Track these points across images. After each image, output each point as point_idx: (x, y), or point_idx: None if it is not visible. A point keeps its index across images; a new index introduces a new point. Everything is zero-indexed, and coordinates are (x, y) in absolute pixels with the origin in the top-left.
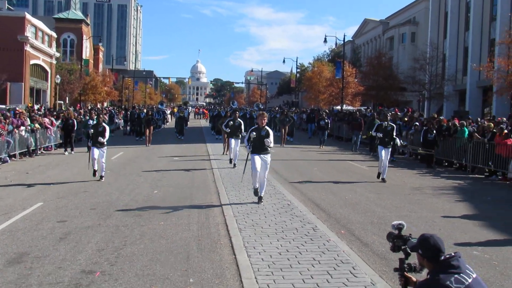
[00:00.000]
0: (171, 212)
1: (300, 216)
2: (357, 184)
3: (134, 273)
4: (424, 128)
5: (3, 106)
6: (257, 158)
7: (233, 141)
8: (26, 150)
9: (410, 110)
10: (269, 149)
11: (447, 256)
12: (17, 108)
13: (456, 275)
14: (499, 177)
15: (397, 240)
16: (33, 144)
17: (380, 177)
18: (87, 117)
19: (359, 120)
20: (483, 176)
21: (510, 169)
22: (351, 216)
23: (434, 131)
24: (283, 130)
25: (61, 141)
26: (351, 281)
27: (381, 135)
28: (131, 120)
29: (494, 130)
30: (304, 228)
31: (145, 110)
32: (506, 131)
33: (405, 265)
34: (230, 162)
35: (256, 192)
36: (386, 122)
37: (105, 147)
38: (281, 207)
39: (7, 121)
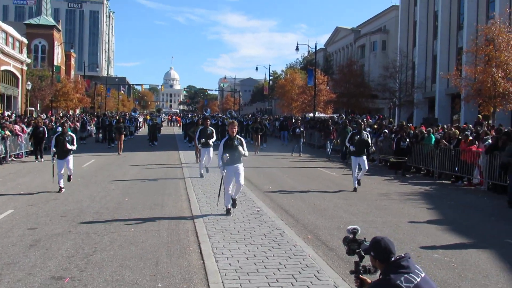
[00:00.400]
0: (142, 219)
1: (268, 222)
2: (326, 191)
3: (103, 278)
4: (397, 136)
5: None
6: (230, 174)
7: (205, 151)
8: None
9: (381, 117)
10: (241, 158)
11: (398, 257)
12: None
13: (405, 275)
14: (465, 182)
15: (352, 243)
16: (3, 151)
17: (353, 187)
18: (58, 124)
19: (331, 127)
20: (450, 182)
21: (475, 175)
22: (319, 221)
23: (407, 139)
24: (256, 137)
25: (31, 149)
26: (314, 284)
27: (353, 148)
28: (103, 127)
29: (460, 137)
30: (272, 234)
31: (117, 117)
32: (471, 137)
33: (360, 268)
34: (201, 175)
35: (228, 212)
36: (360, 134)
37: (71, 155)
38: (250, 213)
39: None
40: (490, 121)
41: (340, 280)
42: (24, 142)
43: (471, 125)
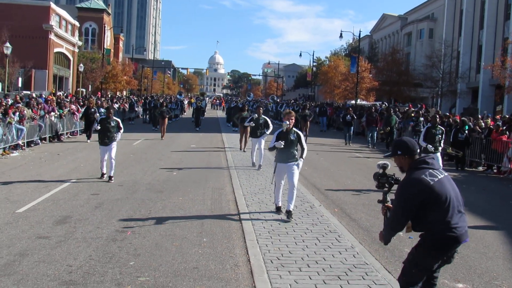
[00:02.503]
0: (189, 190)
1: (300, 196)
2: (357, 172)
3: (158, 233)
4: (456, 127)
5: (28, 92)
6: (281, 170)
7: (255, 140)
8: (55, 134)
9: (424, 106)
10: (297, 155)
11: (423, 155)
12: (48, 95)
13: (430, 170)
14: (494, 170)
15: (382, 177)
16: (61, 128)
17: None
18: (98, 105)
19: (374, 115)
20: (481, 170)
21: (504, 163)
22: (346, 198)
23: (466, 131)
24: (305, 125)
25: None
26: (334, 245)
27: (432, 148)
28: (149, 109)
29: (491, 127)
30: (302, 206)
31: (160, 100)
32: (502, 127)
33: (388, 196)
34: (253, 165)
35: (278, 210)
36: (435, 128)
37: (115, 143)
38: (285, 189)
39: (39, 106)
40: None
41: (357, 243)
42: (79, 121)
43: (507, 116)
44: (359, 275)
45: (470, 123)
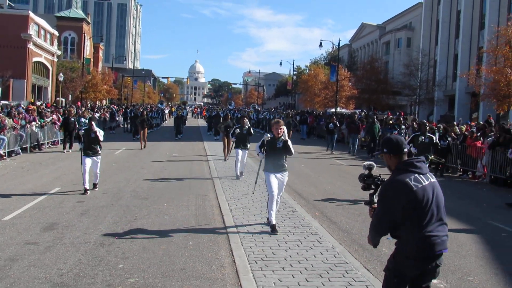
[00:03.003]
0: (173, 197)
1: (282, 201)
2: (338, 179)
3: (145, 237)
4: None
5: (7, 102)
6: (273, 179)
7: (240, 152)
8: (36, 143)
9: (402, 114)
10: (286, 165)
11: (413, 157)
12: (28, 105)
13: (416, 174)
14: (469, 175)
15: (367, 179)
16: (42, 138)
17: None
18: (79, 115)
19: (357, 123)
20: (456, 175)
21: (478, 168)
22: (326, 203)
23: (449, 138)
24: (289, 133)
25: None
26: (316, 246)
27: (415, 150)
28: (129, 118)
29: (466, 133)
30: (284, 210)
31: (141, 110)
32: (476, 134)
33: (374, 198)
34: (237, 178)
35: (274, 229)
36: (424, 135)
37: (99, 156)
38: (264, 194)
39: (20, 116)
40: (504, 120)
41: (337, 244)
42: (60, 131)
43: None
44: (340, 273)
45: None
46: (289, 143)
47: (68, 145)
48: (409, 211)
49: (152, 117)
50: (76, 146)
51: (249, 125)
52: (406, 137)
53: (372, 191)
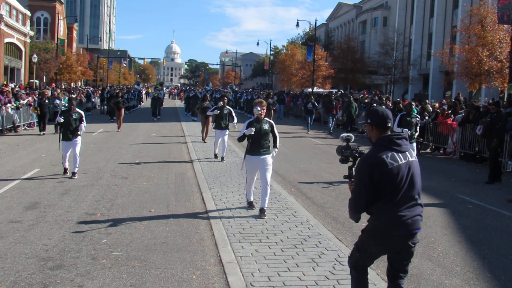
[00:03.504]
0: (152, 176)
1: (259, 178)
2: (314, 157)
3: (126, 215)
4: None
5: None
6: (254, 162)
7: (218, 132)
8: (12, 126)
9: (378, 93)
10: (271, 147)
11: (395, 133)
12: (3, 87)
13: (394, 152)
14: (441, 152)
15: (345, 150)
16: (18, 120)
17: None
18: (54, 97)
19: (334, 103)
20: (428, 151)
21: (449, 145)
22: (302, 179)
23: (426, 117)
24: (271, 113)
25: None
26: (291, 219)
27: (408, 132)
28: (104, 99)
29: (438, 111)
30: (259, 186)
31: (117, 91)
32: (447, 111)
33: (353, 171)
34: (216, 156)
35: (251, 206)
36: (410, 115)
37: (79, 137)
38: (243, 172)
39: None
40: (478, 97)
41: (311, 217)
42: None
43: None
44: (313, 244)
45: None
46: (275, 128)
47: (43, 127)
48: (383, 188)
49: (129, 99)
50: (51, 128)
51: (229, 107)
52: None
53: (350, 163)
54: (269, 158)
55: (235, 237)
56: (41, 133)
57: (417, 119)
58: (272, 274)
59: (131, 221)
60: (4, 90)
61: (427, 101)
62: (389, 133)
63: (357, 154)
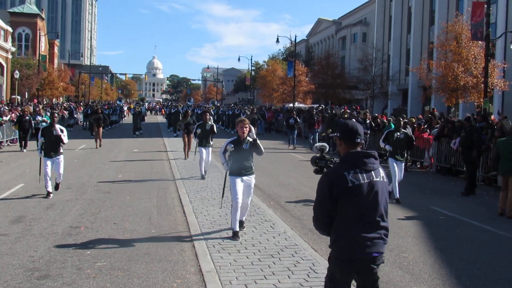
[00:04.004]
0: (135, 190)
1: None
2: (293, 170)
3: (109, 227)
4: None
5: None
6: (238, 183)
7: (203, 150)
8: None
9: (358, 108)
10: (253, 167)
11: (365, 150)
12: None
13: (358, 170)
14: (418, 165)
15: (320, 161)
16: (1, 136)
17: (394, 197)
18: (37, 113)
19: (316, 118)
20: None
21: (426, 159)
22: (282, 193)
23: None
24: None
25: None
26: (269, 231)
27: (390, 148)
28: (86, 115)
29: (414, 125)
30: None
31: (96, 107)
32: (423, 126)
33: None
34: (203, 178)
35: (235, 236)
36: (398, 132)
37: (61, 155)
38: (226, 186)
39: None
40: (452, 112)
41: (288, 229)
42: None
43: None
44: (290, 254)
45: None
46: (258, 142)
47: (23, 143)
48: (342, 207)
49: (109, 114)
50: (32, 144)
51: (212, 122)
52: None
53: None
54: (251, 180)
55: (215, 248)
56: (23, 149)
57: (406, 134)
58: (249, 282)
59: (114, 233)
60: None
61: (403, 115)
62: (358, 149)
63: (331, 165)
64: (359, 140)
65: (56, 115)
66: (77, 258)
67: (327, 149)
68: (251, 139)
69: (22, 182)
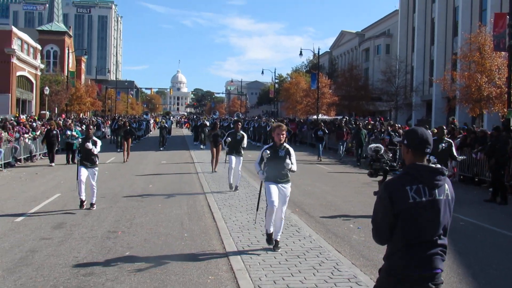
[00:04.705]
0: (166, 198)
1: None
2: (318, 180)
3: (145, 231)
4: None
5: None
6: (273, 188)
7: (233, 159)
8: (29, 155)
9: (382, 119)
10: (289, 175)
11: (434, 164)
12: (22, 119)
13: (421, 185)
14: None
15: (374, 163)
16: (35, 150)
17: None
18: (66, 128)
19: (344, 129)
20: None
21: (449, 168)
22: (306, 201)
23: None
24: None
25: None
26: (295, 235)
27: (435, 159)
28: (113, 129)
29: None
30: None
31: (123, 121)
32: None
33: (381, 177)
34: (231, 187)
35: (270, 239)
36: (442, 142)
37: (96, 167)
38: (251, 194)
39: (15, 129)
40: (477, 123)
41: (313, 233)
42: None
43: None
44: (315, 255)
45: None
46: (293, 155)
47: (51, 157)
48: (400, 222)
49: (137, 128)
50: (60, 158)
51: (243, 132)
52: (454, 150)
53: (381, 178)
54: (287, 188)
55: (244, 249)
56: (51, 164)
57: (450, 144)
58: (277, 278)
59: (149, 237)
60: (22, 121)
61: (426, 126)
62: (425, 160)
63: (387, 168)
64: (428, 150)
65: (90, 129)
66: (118, 258)
67: (382, 150)
68: (288, 147)
69: (59, 192)
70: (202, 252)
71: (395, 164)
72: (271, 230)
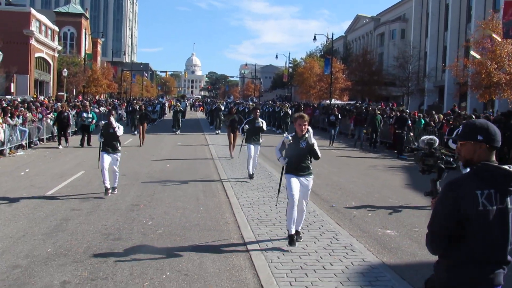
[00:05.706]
0: (182, 177)
1: (275, 180)
2: (327, 162)
3: (164, 205)
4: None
5: (10, 97)
6: (294, 181)
7: (252, 147)
8: (51, 135)
9: (394, 105)
10: (310, 167)
11: (508, 167)
12: (44, 100)
13: (493, 190)
14: None
15: (427, 158)
16: (56, 130)
17: None
18: (80, 109)
19: (363, 115)
20: None
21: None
22: (314, 181)
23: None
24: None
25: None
26: None
27: None
28: (127, 112)
29: (443, 121)
30: (276, 187)
31: (139, 103)
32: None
33: (438, 187)
34: (250, 177)
35: (292, 241)
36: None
37: (119, 153)
38: (262, 174)
39: (38, 110)
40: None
41: (317, 208)
42: (72, 123)
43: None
44: (317, 227)
45: (427, 119)
46: (316, 146)
47: (64, 140)
48: (465, 231)
49: (152, 111)
50: (74, 140)
51: (262, 119)
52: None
53: (434, 176)
54: (309, 181)
55: (254, 221)
56: (60, 146)
57: None
58: (282, 245)
59: (168, 209)
60: (44, 102)
61: (433, 112)
62: (494, 159)
63: (442, 165)
64: (499, 145)
65: (111, 114)
66: (141, 227)
67: (437, 143)
68: (309, 138)
69: (82, 170)
70: (216, 223)
71: (451, 159)
72: (293, 231)
